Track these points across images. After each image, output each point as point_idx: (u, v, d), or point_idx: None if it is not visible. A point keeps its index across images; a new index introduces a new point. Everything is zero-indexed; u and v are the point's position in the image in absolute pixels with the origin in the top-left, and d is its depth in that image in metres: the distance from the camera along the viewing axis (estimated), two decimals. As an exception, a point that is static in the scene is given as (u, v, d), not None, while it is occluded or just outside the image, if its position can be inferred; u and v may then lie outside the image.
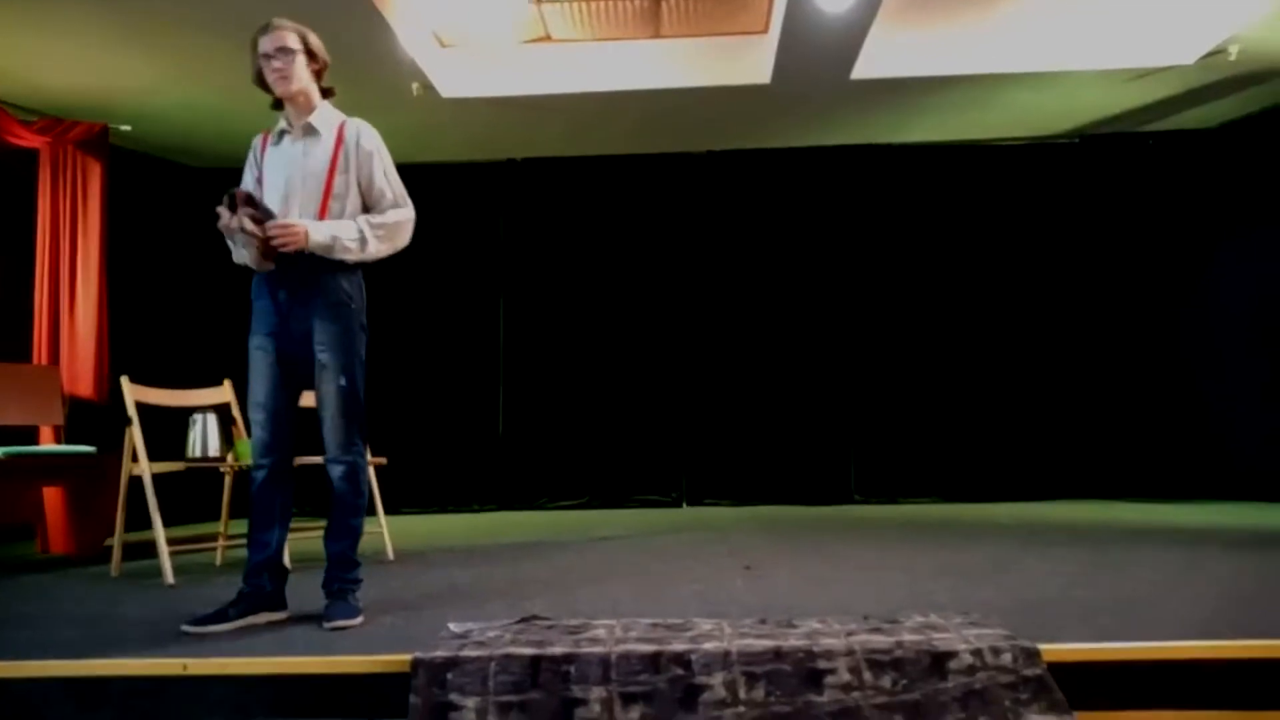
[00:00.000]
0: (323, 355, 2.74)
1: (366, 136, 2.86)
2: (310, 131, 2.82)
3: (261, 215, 2.67)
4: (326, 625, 2.64)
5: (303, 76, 2.80)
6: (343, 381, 2.75)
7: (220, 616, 2.67)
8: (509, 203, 7.41)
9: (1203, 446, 6.78)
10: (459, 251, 7.36)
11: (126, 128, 6.03)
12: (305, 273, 2.74)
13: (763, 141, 7.16)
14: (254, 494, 2.81)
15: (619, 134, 6.90)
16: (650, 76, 5.99)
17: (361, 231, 2.78)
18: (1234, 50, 5.54)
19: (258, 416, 2.78)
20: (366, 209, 2.86)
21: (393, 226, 2.86)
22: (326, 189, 2.79)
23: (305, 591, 3.02)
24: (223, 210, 2.66)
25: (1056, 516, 5.66)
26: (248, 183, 2.85)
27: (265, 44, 2.78)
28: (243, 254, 2.81)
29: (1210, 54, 5.62)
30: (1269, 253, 6.56)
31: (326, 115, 2.87)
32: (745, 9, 5.63)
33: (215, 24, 4.99)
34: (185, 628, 2.61)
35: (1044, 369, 7.07)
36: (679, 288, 7.33)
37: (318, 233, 2.70)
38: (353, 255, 2.77)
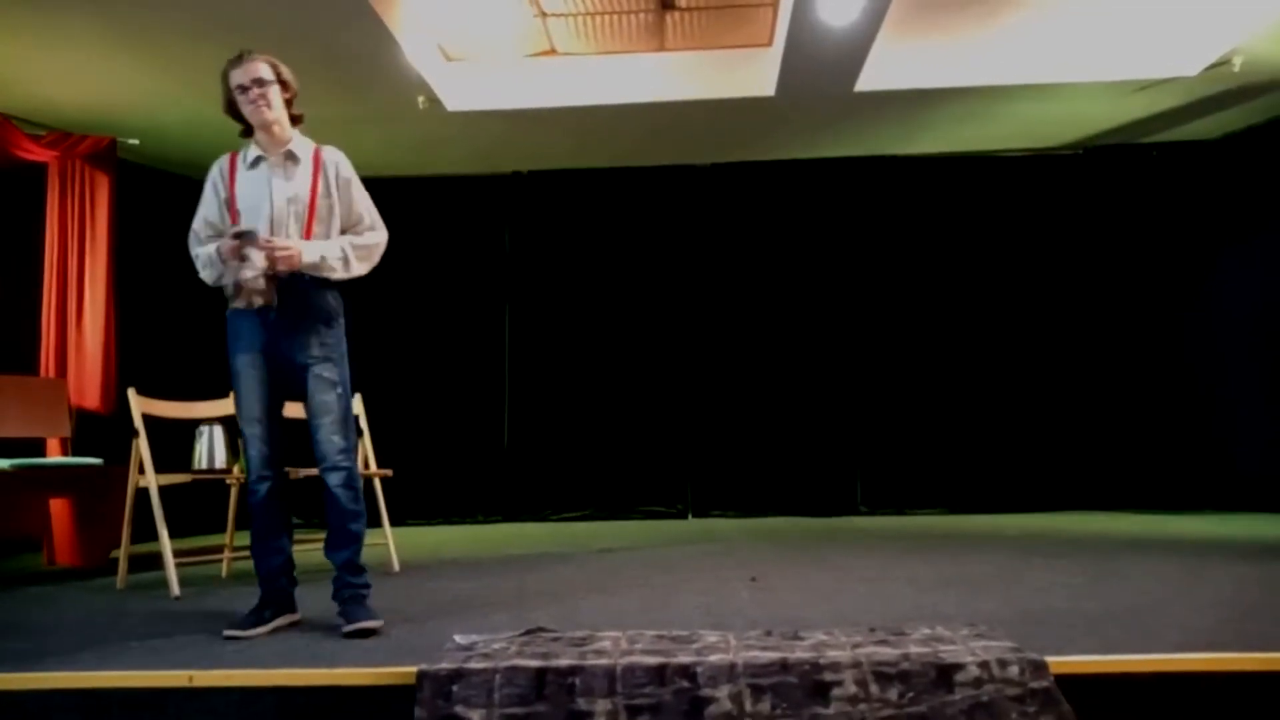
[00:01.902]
0: (319, 367, 2.85)
1: (344, 165, 2.99)
2: (290, 158, 2.92)
3: (257, 242, 2.75)
4: (349, 628, 2.66)
5: (278, 105, 2.90)
6: (340, 390, 2.88)
7: (257, 619, 2.76)
8: (514, 215, 7.44)
9: (1207, 458, 6.76)
10: (464, 264, 7.38)
11: (134, 141, 6.06)
12: (295, 290, 2.83)
13: (767, 154, 7.17)
14: (258, 506, 2.89)
15: (624, 146, 6.92)
16: (655, 89, 6.01)
17: (344, 251, 2.91)
18: (1237, 62, 5.55)
19: (255, 430, 2.88)
20: (343, 231, 2.97)
21: (371, 247, 2.99)
22: (310, 213, 2.89)
23: (307, 604, 3.02)
24: (235, 246, 2.73)
25: (1062, 527, 5.64)
26: (214, 203, 2.92)
27: (239, 76, 2.87)
28: (237, 277, 2.79)
29: (1213, 65, 5.63)
30: (1272, 263, 6.55)
31: (301, 142, 2.97)
32: (749, 22, 5.66)
33: (222, 37, 5.01)
34: (228, 633, 2.68)
35: (1049, 380, 7.06)
36: (684, 300, 7.34)
37: (309, 253, 2.82)
38: (337, 274, 2.90)
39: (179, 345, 6.74)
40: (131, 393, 3.83)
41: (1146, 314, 7.02)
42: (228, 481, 4.11)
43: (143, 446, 3.73)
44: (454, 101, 6.03)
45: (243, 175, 2.91)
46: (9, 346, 5.67)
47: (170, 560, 3.65)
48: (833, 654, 2.12)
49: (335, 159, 2.97)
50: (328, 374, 2.85)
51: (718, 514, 7.12)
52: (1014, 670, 2.05)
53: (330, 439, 2.84)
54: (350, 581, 2.83)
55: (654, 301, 7.35)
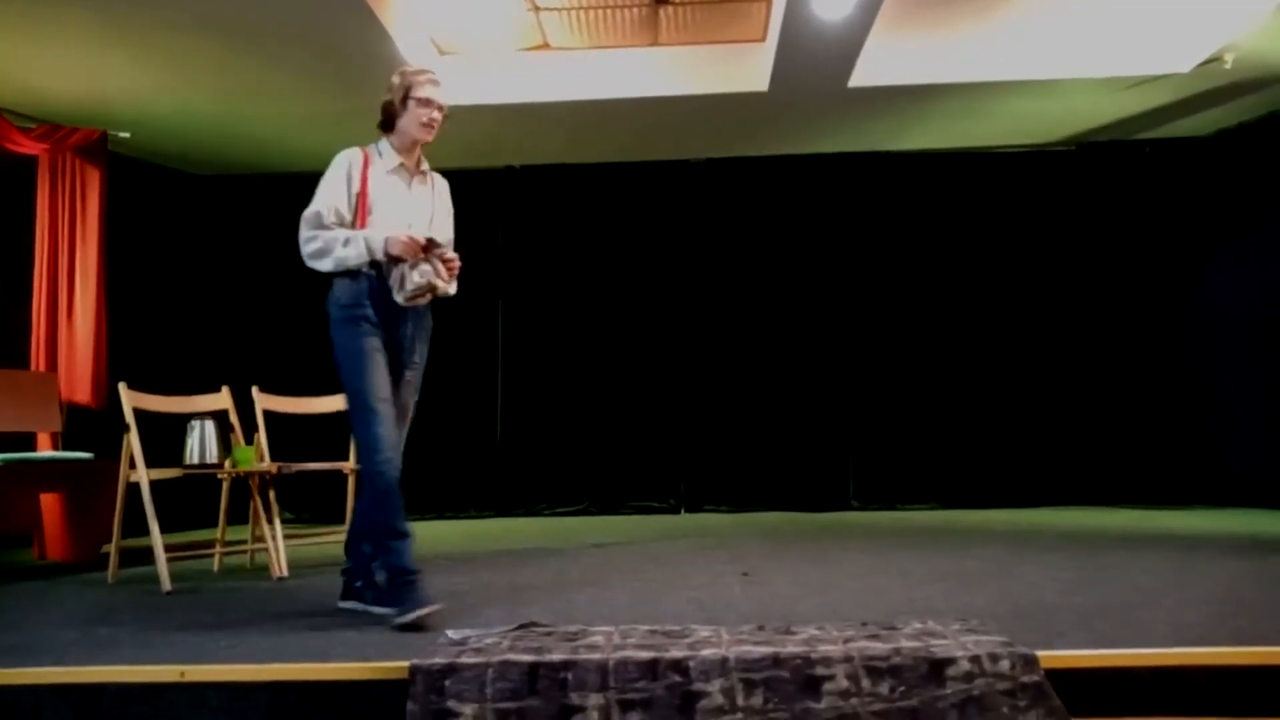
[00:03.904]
0: (413, 375, 3.07)
1: (448, 194, 3.20)
2: (424, 179, 3.09)
3: (443, 255, 2.91)
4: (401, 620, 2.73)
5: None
6: (417, 398, 3.13)
7: (423, 599, 2.71)
8: (507, 210, 7.42)
9: (1199, 453, 6.79)
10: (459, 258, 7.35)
11: (125, 135, 6.03)
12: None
13: (760, 149, 7.17)
14: (390, 485, 2.89)
15: (617, 141, 6.91)
16: (648, 84, 6.00)
17: None
18: (1229, 58, 5.56)
19: (389, 411, 2.93)
20: None
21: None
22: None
23: (306, 598, 3.02)
24: (416, 247, 2.85)
25: (1054, 522, 5.66)
26: (345, 194, 2.96)
27: (435, 93, 3.01)
28: (408, 278, 2.88)
29: (1206, 62, 5.64)
30: (1264, 260, 6.57)
31: (424, 164, 3.12)
32: (743, 17, 5.65)
33: (214, 31, 5.01)
34: (399, 621, 2.63)
35: (1041, 376, 7.08)
36: (677, 295, 7.34)
37: None
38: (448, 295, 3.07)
39: (170, 339, 6.73)
40: (122, 387, 3.82)
41: (1139, 310, 7.04)
42: (219, 476, 4.10)
43: (134, 441, 3.72)
44: (447, 96, 5.99)
45: (378, 176, 2.99)
46: (-1, 340, 5.65)
47: (161, 555, 3.64)
48: (824, 648, 2.12)
49: (446, 188, 3.17)
50: (417, 383, 3.08)
51: (710, 509, 7.13)
52: (1005, 664, 2.06)
53: (403, 441, 3.03)
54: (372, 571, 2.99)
55: (647, 297, 7.35)
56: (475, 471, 7.23)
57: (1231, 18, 5.28)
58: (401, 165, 3.02)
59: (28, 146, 5.55)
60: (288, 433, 4.59)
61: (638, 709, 2.03)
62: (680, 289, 7.34)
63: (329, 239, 2.91)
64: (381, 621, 2.76)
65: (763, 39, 5.81)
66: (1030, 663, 2.07)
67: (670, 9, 5.54)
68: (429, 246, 2.87)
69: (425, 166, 3.10)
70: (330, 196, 2.95)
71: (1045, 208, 7.19)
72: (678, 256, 7.37)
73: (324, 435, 4.73)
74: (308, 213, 2.96)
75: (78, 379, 5.59)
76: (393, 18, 5.13)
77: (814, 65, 5.64)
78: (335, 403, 4.56)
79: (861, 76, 5.85)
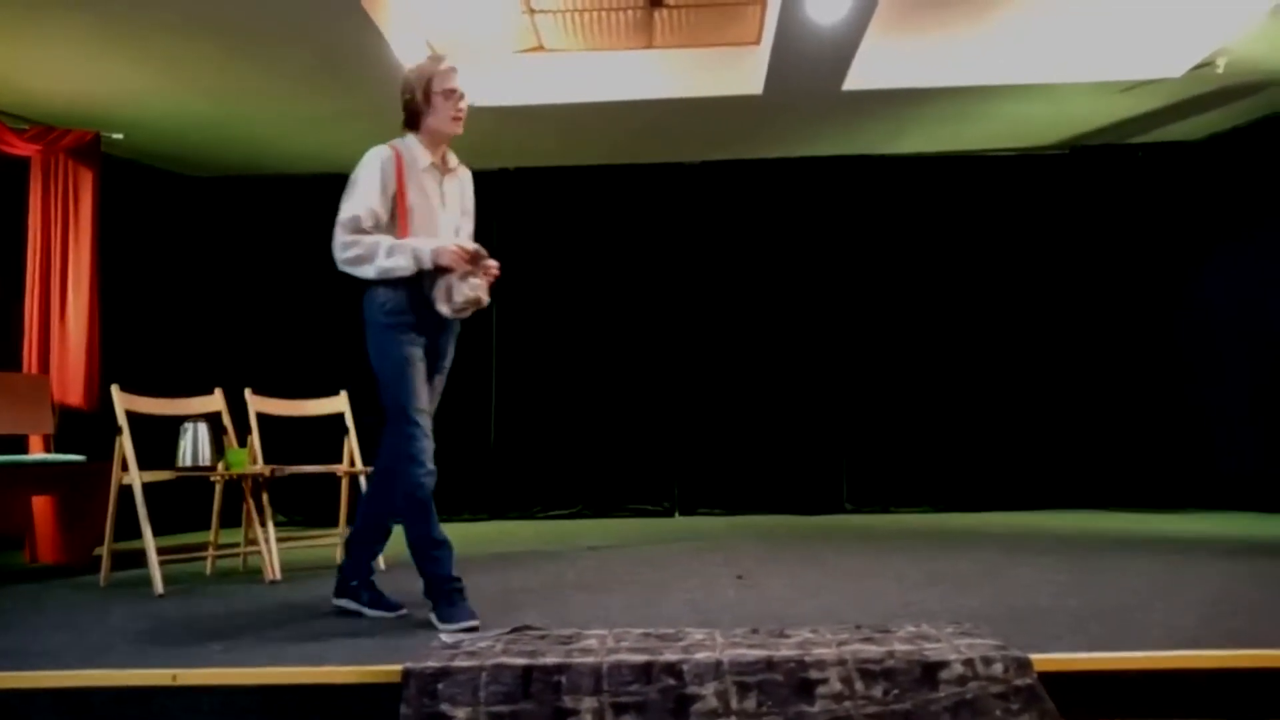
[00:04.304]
0: (442, 379, 3.05)
1: (471, 187, 3.18)
2: (453, 174, 3.06)
3: (487, 267, 2.88)
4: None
5: None
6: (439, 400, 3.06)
7: (468, 612, 2.71)
8: (501, 212, 7.40)
9: (1190, 457, 6.81)
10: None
11: (118, 136, 6.01)
12: None
13: (755, 152, 7.18)
14: (428, 498, 2.83)
15: (612, 144, 6.91)
16: (643, 87, 6.00)
17: None
18: (1221, 63, 5.58)
19: (428, 423, 2.88)
20: None
21: None
22: (458, 231, 3.04)
23: (299, 601, 3.01)
24: (465, 256, 2.81)
25: (1046, 525, 5.67)
26: (381, 196, 2.88)
27: (456, 80, 2.99)
28: (457, 288, 2.84)
29: (1198, 67, 5.66)
30: (1255, 264, 6.59)
31: (453, 158, 3.08)
32: (738, 20, 5.66)
33: (206, 31, 4.99)
34: (449, 630, 2.60)
35: (1034, 379, 7.09)
36: (671, 297, 7.34)
37: None
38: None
39: (163, 341, 6.71)
40: (115, 389, 3.80)
41: (1130, 313, 7.07)
42: (212, 479, 4.09)
43: (126, 443, 3.71)
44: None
45: (413, 176, 2.93)
46: (-9, 342, 5.63)
47: (154, 558, 3.63)
48: (818, 651, 2.12)
49: (470, 180, 3.14)
50: (441, 388, 3.06)
51: (705, 512, 7.13)
52: (998, 668, 2.06)
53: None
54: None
55: (641, 299, 7.35)
56: (469, 474, 7.21)
57: (1224, 23, 5.30)
58: (432, 164, 2.97)
59: (20, 148, 5.53)
60: (281, 435, 4.57)
61: (631, 712, 2.03)
62: (674, 292, 7.34)
63: (370, 246, 2.81)
64: (375, 623, 2.75)
65: (757, 42, 5.82)
66: (1023, 666, 2.07)
67: (665, 11, 5.54)
68: (476, 257, 2.81)
69: (452, 162, 3.06)
70: (368, 200, 2.85)
71: (1039, 211, 7.21)
72: (672, 259, 7.37)
73: (317, 438, 4.72)
74: (344, 217, 2.85)
75: (70, 381, 5.57)
76: (387, 19, 5.13)
77: (808, 68, 5.65)
78: (328, 405, 4.56)
79: (856, 80, 5.86)
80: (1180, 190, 7.05)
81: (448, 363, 3.06)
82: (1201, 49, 5.54)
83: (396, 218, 2.86)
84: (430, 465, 2.80)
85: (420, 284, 2.84)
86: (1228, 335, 6.72)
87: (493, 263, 2.89)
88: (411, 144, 2.96)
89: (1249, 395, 6.57)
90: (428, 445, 2.82)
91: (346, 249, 2.83)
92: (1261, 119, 6.50)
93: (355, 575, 3.07)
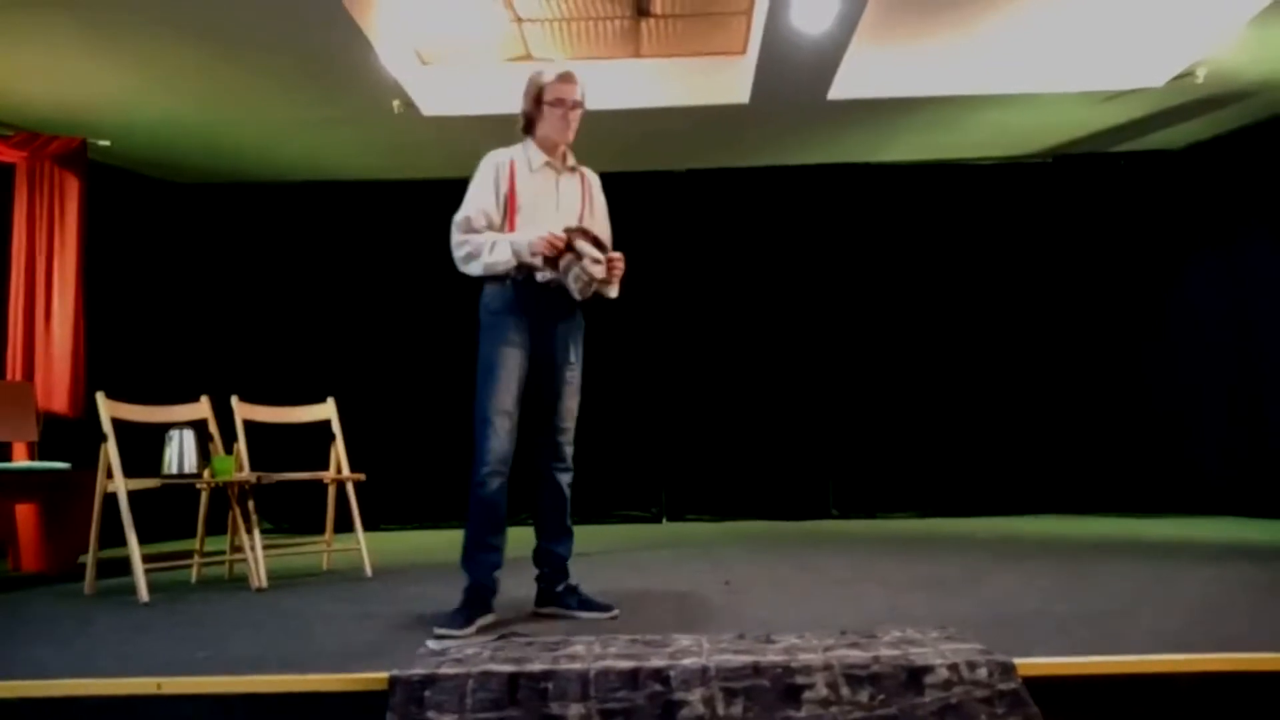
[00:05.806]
0: (571, 372, 3.13)
1: (600, 188, 3.24)
2: (572, 174, 3.12)
3: (598, 244, 2.90)
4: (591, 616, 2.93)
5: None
6: (579, 398, 3.13)
7: (468, 619, 2.79)
8: (489, 219, 7.41)
9: (1172, 462, 6.86)
10: (440, 268, 7.30)
11: (105, 143, 6.00)
12: (569, 296, 2.98)
13: (741, 160, 7.21)
14: (488, 500, 3.03)
15: (599, 152, 6.84)
16: (630, 96, 6.02)
17: None
18: (1201, 73, 5.65)
19: (505, 424, 2.99)
20: None
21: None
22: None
23: (285, 608, 3.00)
24: (554, 241, 2.83)
25: (1031, 531, 5.70)
26: (493, 197, 2.98)
27: (567, 91, 3.07)
28: (573, 271, 2.91)
29: (1179, 77, 5.73)
30: (1235, 272, 6.67)
31: (571, 159, 3.14)
32: (724, 30, 5.69)
33: (195, 39, 4.99)
34: (439, 632, 2.63)
35: (1018, 386, 7.14)
36: (658, 306, 7.35)
37: None
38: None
39: (149, 348, 6.68)
40: (100, 396, 3.78)
41: (1113, 320, 7.13)
42: (198, 486, 4.07)
43: (111, 451, 3.69)
44: (429, 106, 6.01)
45: (525, 176, 3.01)
46: (-26, 349, 5.59)
47: (139, 566, 3.61)
48: (804, 657, 2.13)
49: (597, 182, 3.18)
50: (576, 383, 3.12)
51: (692, 518, 7.14)
52: (983, 672, 2.08)
53: (565, 444, 3.18)
54: (569, 573, 3.13)
55: (628, 307, 7.33)
56: (457, 481, 7.17)
57: (1204, 34, 5.37)
58: (547, 163, 3.04)
59: (5, 154, 5.51)
60: (267, 442, 4.56)
61: (618, 718, 2.03)
62: (661, 299, 7.35)
63: (478, 243, 2.92)
64: (362, 630, 2.74)
65: (743, 51, 5.85)
66: (1008, 670, 2.09)
67: (651, 21, 5.57)
68: (571, 239, 2.83)
69: (572, 162, 3.12)
70: (479, 200, 2.96)
71: (1022, 219, 7.27)
72: (658, 267, 7.38)
73: (304, 445, 4.71)
74: (458, 217, 2.97)
75: (55, 388, 5.54)
76: (375, 27, 5.14)
77: (794, 77, 5.68)
78: (315, 412, 4.55)
79: (841, 89, 5.90)
80: (1161, 198, 7.12)
81: (574, 359, 3.12)
82: (1182, 60, 5.61)
83: (506, 216, 2.96)
84: (493, 466, 2.95)
85: (530, 282, 2.91)
86: (1209, 341, 6.78)
87: (607, 247, 2.95)
88: (528, 145, 3.07)
89: (1228, 401, 6.63)
90: (494, 446, 2.95)
91: (459, 247, 2.98)
92: (1241, 128, 6.58)
93: (558, 580, 3.19)
